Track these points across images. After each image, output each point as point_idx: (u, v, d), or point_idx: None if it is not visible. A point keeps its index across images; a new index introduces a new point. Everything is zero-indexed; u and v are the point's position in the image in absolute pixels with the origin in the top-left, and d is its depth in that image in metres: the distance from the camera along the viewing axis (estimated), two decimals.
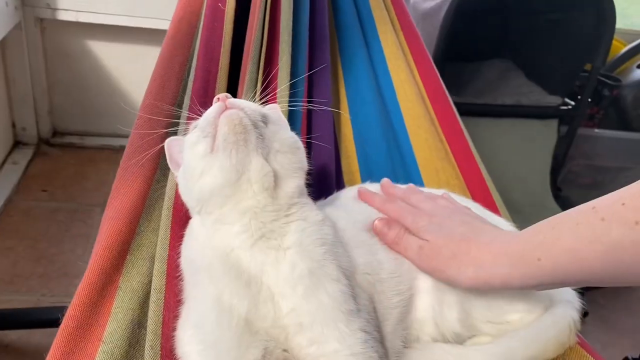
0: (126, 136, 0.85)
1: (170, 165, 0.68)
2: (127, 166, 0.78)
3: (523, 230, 0.61)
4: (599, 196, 0.53)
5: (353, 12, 1.11)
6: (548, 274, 0.55)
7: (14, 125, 2.01)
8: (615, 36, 2.07)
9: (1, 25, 1.72)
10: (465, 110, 1.66)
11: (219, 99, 0.59)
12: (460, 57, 1.82)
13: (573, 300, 0.72)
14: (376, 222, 0.68)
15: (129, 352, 0.58)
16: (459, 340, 0.69)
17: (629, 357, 1.47)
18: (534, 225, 0.59)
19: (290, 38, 0.95)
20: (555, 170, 1.75)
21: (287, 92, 0.86)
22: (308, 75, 0.94)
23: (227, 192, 0.56)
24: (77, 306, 0.59)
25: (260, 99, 0.68)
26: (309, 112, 0.89)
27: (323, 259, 0.57)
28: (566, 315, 0.70)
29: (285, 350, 0.56)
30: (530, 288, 0.60)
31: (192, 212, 0.62)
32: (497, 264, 0.59)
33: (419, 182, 0.93)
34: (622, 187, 0.53)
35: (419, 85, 1.07)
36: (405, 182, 0.81)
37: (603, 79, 1.92)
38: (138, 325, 0.61)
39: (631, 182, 0.52)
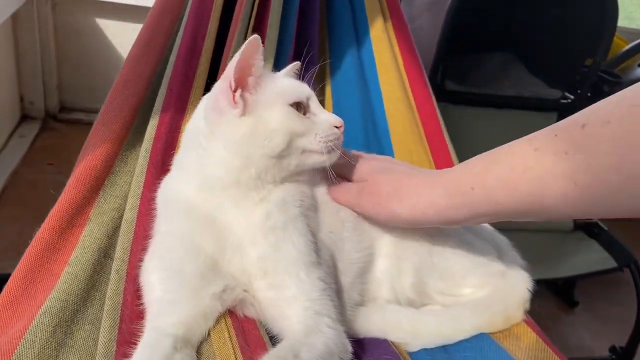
0: None
1: (234, 72, 0.59)
2: (109, 109, 0.81)
3: (461, 163, 0.64)
4: None
5: None
6: (481, 203, 0.58)
7: (22, 99, 2.04)
8: (619, 34, 2.10)
9: (13, 0, 1.74)
10: (466, 100, 1.69)
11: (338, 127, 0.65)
12: (463, 48, 1.84)
13: (525, 280, 0.75)
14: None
15: (92, 276, 0.62)
16: (412, 306, 0.73)
17: (616, 346, 1.51)
18: (471, 159, 0.62)
19: (280, 11, 0.99)
20: None
21: (272, 61, 0.91)
22: (294, 46, 0.99)
23: (291, 166, 0.63)
24: (46, 230, 0.63)
25: None
26: None
27: (297, 216, 0.62)
28: (516, 293, 0.74)
29: (245, 291, 0.61)
30: (463, 220, 0.61)
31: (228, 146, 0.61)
32: (434, 194, 0.61)
33: None
34: None
35: (401, 70, 1.10)
36: None
37: (604, 75, 1.94)
38: (104, 254, 0.65)
39: None
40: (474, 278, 0.74)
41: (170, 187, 0.65)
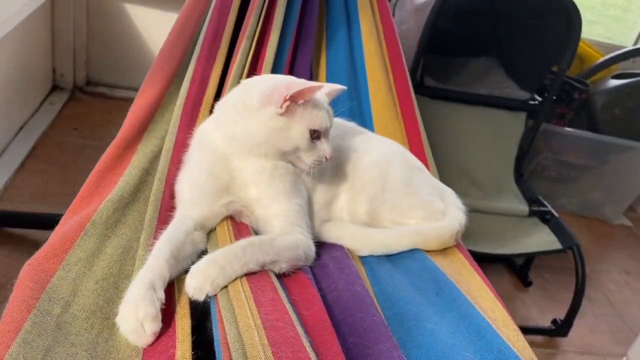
0: None
1: (294, 92, 0.82)
2: (154, 72, 1.12)
3: None
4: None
5: None
6: None
7: (54, 71, 2.29)
8: (600, 49, 2.30)
9: None
10: (443, 95, 1.91)
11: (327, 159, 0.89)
12: (449, 51, 2.05)
13: (460, 217, 1.00)
14: None
15: (138, 185, 0.91)
16: None
17: (557, 319, 1.71)
18: None
19: (284, 12, 1.25)
20: (519, 158, 1.98)
21: (275, 45, 1.15)
22: (295, 36, 1.24)
23: (286, 160, 0.90)
24: (108, 155, 0.93)
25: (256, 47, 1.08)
26: (292, 64, 1.18)
27: (289, 172, 0.90)
28: (451, 225, 0.99)
29: (244, 206, 0.89)
30: None
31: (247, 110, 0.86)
32: None
33: (372, 130, 1.21)
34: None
35: (385, 58, 1.33)
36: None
37: (574, 83, 2.14)
38: (147, 172, 0.95)
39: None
40: (418, 211, 0.98)
41: (206, 129, 0.92)
